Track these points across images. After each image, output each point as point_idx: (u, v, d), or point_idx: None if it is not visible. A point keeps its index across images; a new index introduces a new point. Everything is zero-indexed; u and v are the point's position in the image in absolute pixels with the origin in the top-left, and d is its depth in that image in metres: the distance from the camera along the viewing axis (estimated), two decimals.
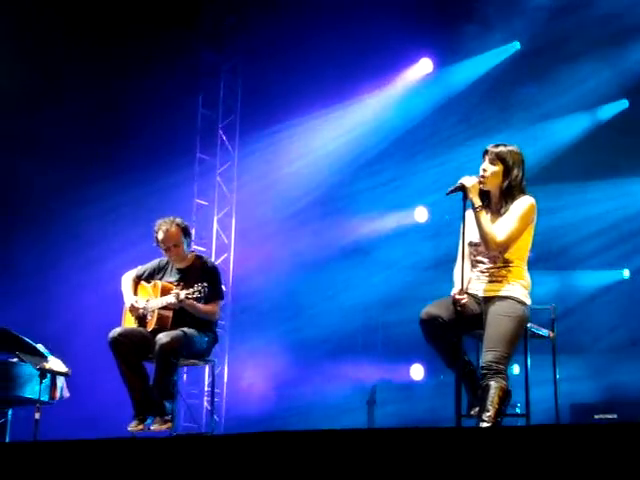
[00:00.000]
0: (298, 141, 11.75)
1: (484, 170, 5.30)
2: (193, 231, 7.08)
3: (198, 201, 12.12)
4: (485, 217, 5.22)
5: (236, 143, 12.36)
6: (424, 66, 11.84)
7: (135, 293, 6.81)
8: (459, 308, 5.20)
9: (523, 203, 5.25)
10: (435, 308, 5.24)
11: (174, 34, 11.15)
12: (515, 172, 5.28)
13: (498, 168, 5.28)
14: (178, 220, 6.78)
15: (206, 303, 6.56)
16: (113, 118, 10.99)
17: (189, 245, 6.86)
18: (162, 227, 6.70)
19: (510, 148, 5.33)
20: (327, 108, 11.62)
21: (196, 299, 6.38)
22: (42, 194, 10.72)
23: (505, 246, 5.20)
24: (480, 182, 5.28)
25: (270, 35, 11.67)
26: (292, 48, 11.41)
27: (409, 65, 11.85)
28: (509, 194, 5.27)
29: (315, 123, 11.68)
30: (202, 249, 11.44)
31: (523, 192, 5.31)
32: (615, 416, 8.16)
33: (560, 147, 10.80)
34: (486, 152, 5.34)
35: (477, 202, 5.22)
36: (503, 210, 5.28)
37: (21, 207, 10.65)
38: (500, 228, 5.20)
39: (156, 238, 6.73)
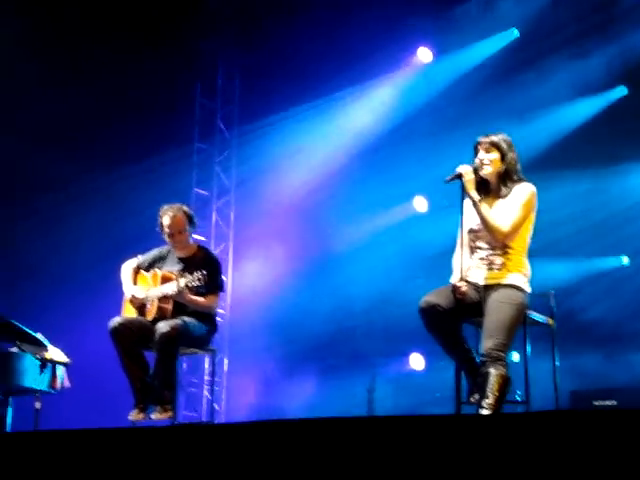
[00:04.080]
0: (297, 130, 11.72)
1: (481, 160, 5.36)
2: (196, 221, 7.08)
3: (197, 190, 12.13)
4: (486, 209, 5.27)
5: (235, 132, 12.35)
6: (423, 55, 11.81)
7: (135, 282, 6.80)
8: (459, 296, 5.22)
9: (524, 191, 5.31)
10: (434, 296, 5.27)
11: (173, 23, 11.14)
12: (510, 156, 5.38)
13: (495, 155, 5.36)
14: (185, 207, 6.78)
15: (206, 294, 6.56)
16: (111, 107, 10.97)
17: (192, 234, 6.86)
18: (168, 212, 6.68)
19: (500, 135, 5.45)
20: (325, 98, 11.59)
21: (196, 288, 6.37)
22: (39, 183, 10.71)
23: (511, 235, 5.26)
24: (477, 170, 5.34)
25: (269, 24, 11.66)
26: (291, 37, 11.39)
27: (407, 55, 11.81)
28: (507, 178, 5.36)
29: (313, 112, 11.66)
30: (201, 238, 11.44)
31: (522, 178, 5.38)
32: (614, 403, 8.18)
33: (559, 134, 10.78)
34: (478, 144, 5.42)
35: (475, 196, 5.29)
36: (502, 193, 5.34)
37: (21, 197, 10.64)
38: (504, 218, 5.24)
39: (161, 224, 6.71)
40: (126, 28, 10.85)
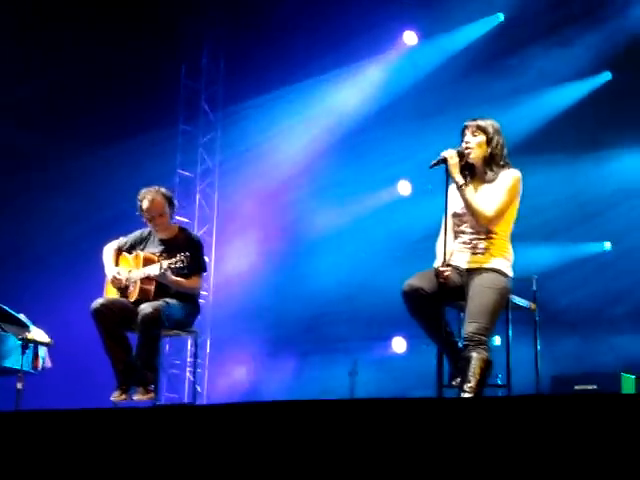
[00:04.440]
0: (281, 112, 11.69)
1: (467, 142, 5.36)
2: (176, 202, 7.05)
3: (181, 172, 12.09)
4: (471, 193, 5.27)
5: (219, 114, 12.31)
6: (408, 39, 11.78)
7: (117, 264, 6.78)
8: (442, 280, 5.22)
9: (510, 176, 5.32)
10: (417, 280, 5.28)
11: (157, 3, 11.08)
12: (496, 139, 5.37)
13: (481, 138, 5.36)
14: (163, 190, 6.74)
15: (189, 275, 6.55)
16: (95, 88, 10.90)
17: (172, 216, 6.83)
18: (147, 196, 6.66)
19: (488, 120, 5.45)
20: (310, 80, 11.55)
21: (179, 269, 6.36)
22: (21, 165, 10.65)
23: (495, 220, 5.26)
24: (462, 154, 5.34)
25: (254, 5, 11.60)
26: (276, 18, 11.35)
27: (393, 38, 11.78)
28: (493, 162, 5.36)
29: (298, 94, 11.63)
30: (185, 220, 11.42)
31: (508, 164, 5.38)
32: (595, 387, 8.22)
33: (543, 120, 10.79)
34: (465, 127, 5.43)
35: (460, 180, 5.30)
36: (487, 178, 5.34)
37: (2, 179, 10.57)
38: (489, 202, 5.25)
39: (140, 207, 6.69)
40: (110, 8, 10.77)
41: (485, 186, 5.34)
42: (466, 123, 5.44)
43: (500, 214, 5.26)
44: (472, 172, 5.41)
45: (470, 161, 5.38)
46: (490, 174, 5.35)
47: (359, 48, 11.46)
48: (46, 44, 10.45)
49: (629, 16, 10.31)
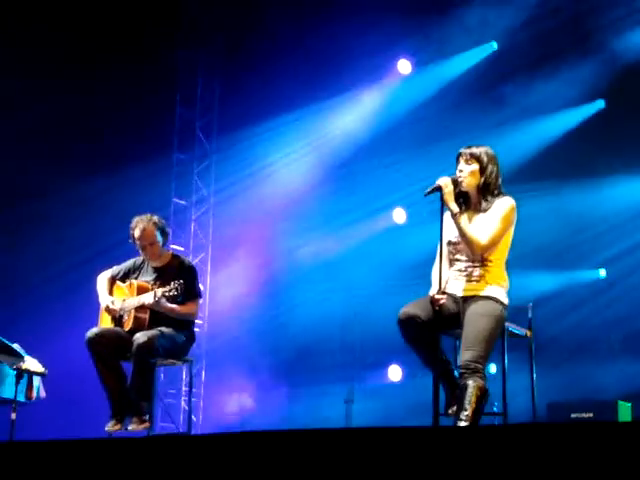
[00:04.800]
0: (276, 141, 11.73)
1: (460, 171, 5.36)
2: (171, 231, 7.04)
3: (176, 200, 12.10)
4: (465, 221, 5.27)
5: (214, 142, 12.34)
6: (402, 67, 11.83)
7: (111, 293, 6.78)
8: (437, 308, 5.21)
9: (504, 204, 5.31)
10: (413, 308, 5.26)
11: (153, 32, 11.12)
12: (490, 168, 5.35)
13: (474, 167, 5.34)
14: (155, 218, 6.73)
15: (183, 302, 6.54)
16: (90, 116, 10.93)
17: (165, 244, 6.82)
18: (139, 225, 6.66)
19: (483, 148, 5.42)
20: (305, 109, 11.60)
21: (173, 297, 6.35)
22: (18, 194, 10.65)
23: (489, 249, 5.25)
24: (457, 182, 5.33)
25: (249, 35, 11.67)
26: (271, 48, 11.41)
27: (387, 67, 11.83)
28: (487, 191, 5.34)
29: (293, 123, 11.67)
30: (180, 248, 11.43)
31: (502, 192, 5.37)
32: (591, 415, 8.21)
33: (537, 147, 10.84)
34: (460, 155, 5.42)
35: (454, 208, 5.28)
36: (482, 207, 5.33)
37: None
38: (483, 231, 5.23)
39: (132, 235, 6.70)
40: (106, 37, 10.83)
41: (480, 215, 5.33)
42: (460, 150, 5.43)
43: (494, 242, 5.25)
44: (466, 200, 5.41)
45: (464, 189, 5.37)
46: (484, 203, 5.33)
47: (354, 77, 11.52)
48: (44, 73, 10.48)
49: (618, 46, 10.38)
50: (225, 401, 11.76)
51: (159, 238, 6.70)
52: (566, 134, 10.87)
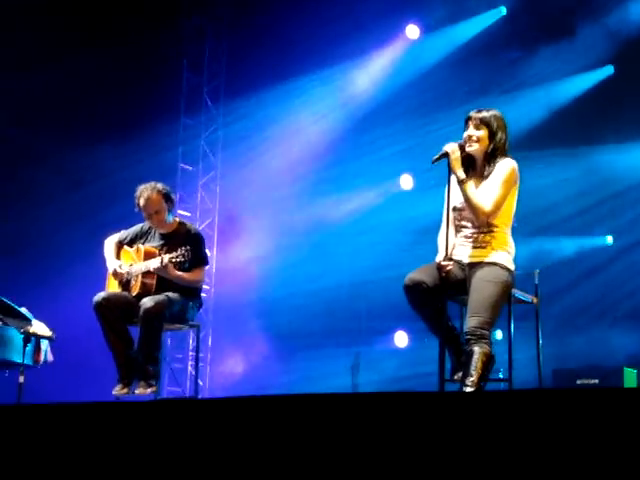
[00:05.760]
0: (283, 106, 11.68)
1: (469, 136, 5.30)
2: (178, 196, 7.01)
3: (182, 165, 12.08)
4: (471, 188, 5.22)
5: (221, 108, 12.29)
6: (411, 32, 11.76)
7: (118, 257, 6.78)
8: (443, 274, 5.20)
9: (505, 167, 5.24)
10: (419, 274, 5.25)
11: None
12: (499, 135, 5.29)
13: (483, 132, 5.28)
14: (159, 186, 6.69)
15: (190, 269, 6.55)
16: (97, 83, 10.90)
17: (171, 211, 6.79)
18: (143, 194, 6.63)
19: (493, 112, 5.35)
20: (312, 74, 11.55)
21: (180, 263, 6.35)
22: (24, 160, 10.65)
23: (493, 214, 5.21)
24: (463, 147, 5.28)
25: (255, 1, 11.60)
26: (278, 13, 11.33)
27: (396, 32, 11.76)
28: (493, 157, 5.28)
29: (300, 88, 11.62)
30: (187, 214, 11.43)
31: (505, 155, 5.32)
32: (597, 381, 8.23)
33: (545, 113, 10.79)
34: (469, 118, 5.34)
35: (461, 175, 5.23)
36: (486, 173, 5.28)
37: (5, 173, 10.58)
38: (486, 197, 5.19)
39: (137, 204, 6.67)
40: (113, 3, 10.77)
41: (483, 183, 5.28)
42: (470, 114, 5.34)
43: (498, 207, 5.20)
44: (473, 164, 5.35)
45: (470, 153, 5.31)
46: (488, 169, 5.28)
47: (361, 42, 11.46)
48: (51, 39, 10.43)
49: (630, 10, 10.30)
50: (231, 364, 11.82)
51: (164, 205, 6.67)
52: (576, 100, 10.81)
